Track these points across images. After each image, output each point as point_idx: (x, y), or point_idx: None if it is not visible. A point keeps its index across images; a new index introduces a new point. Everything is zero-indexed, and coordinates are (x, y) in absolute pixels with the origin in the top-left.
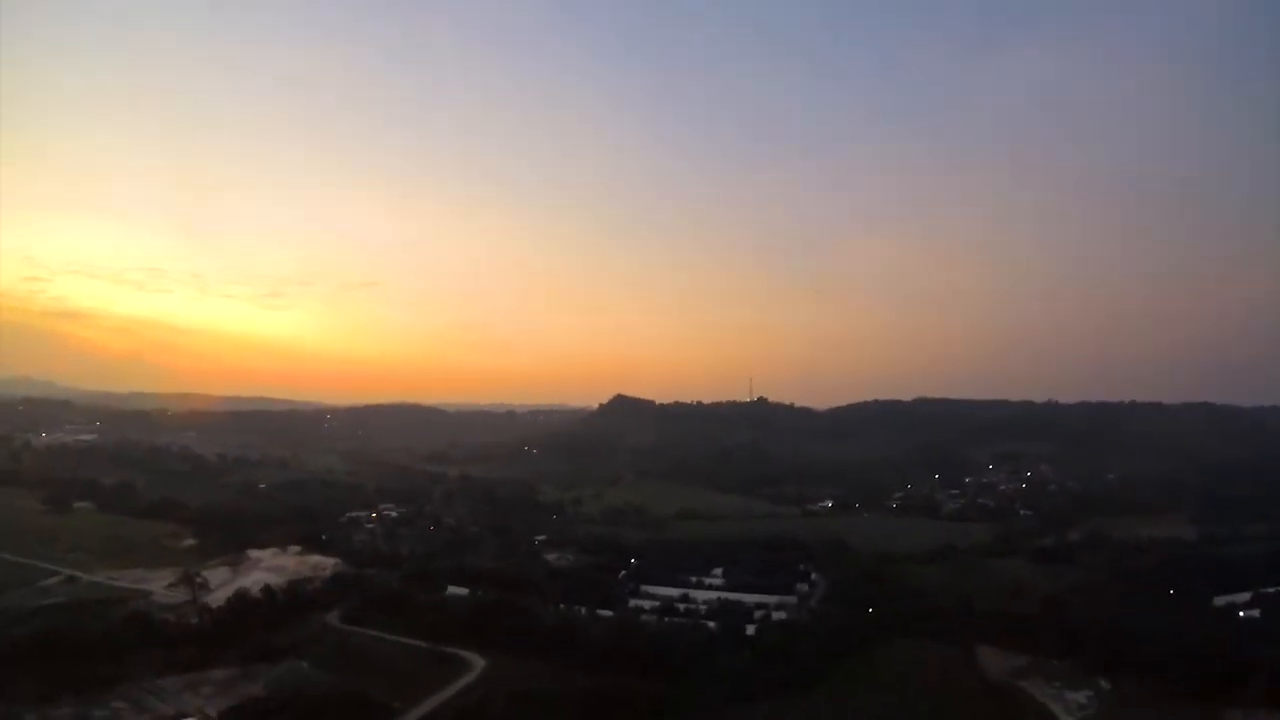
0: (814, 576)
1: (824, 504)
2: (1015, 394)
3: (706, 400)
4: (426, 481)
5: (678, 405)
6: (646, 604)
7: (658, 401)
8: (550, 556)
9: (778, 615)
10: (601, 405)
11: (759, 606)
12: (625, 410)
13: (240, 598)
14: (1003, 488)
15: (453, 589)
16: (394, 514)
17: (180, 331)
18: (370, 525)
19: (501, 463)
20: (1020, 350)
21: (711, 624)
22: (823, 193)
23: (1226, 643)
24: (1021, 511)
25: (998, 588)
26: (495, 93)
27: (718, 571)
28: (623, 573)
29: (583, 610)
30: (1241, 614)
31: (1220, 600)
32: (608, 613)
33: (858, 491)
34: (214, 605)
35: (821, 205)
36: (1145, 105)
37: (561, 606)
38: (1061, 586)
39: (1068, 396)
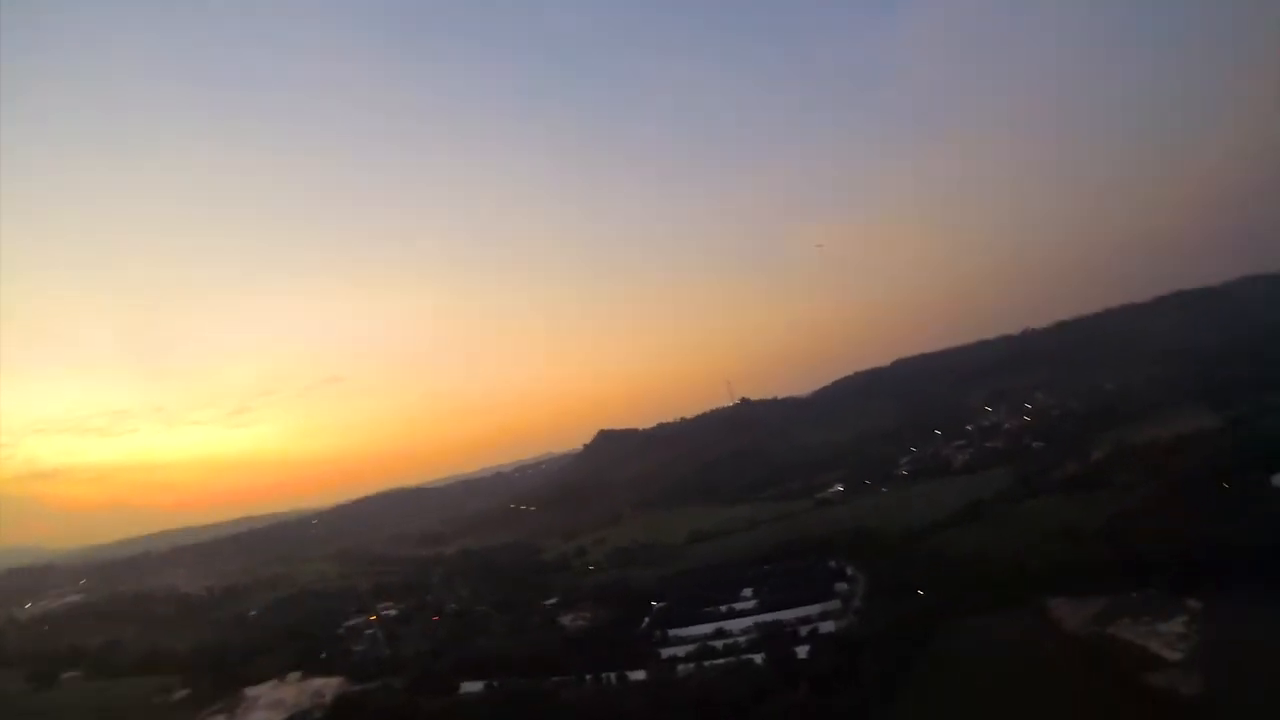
0: (849, 571)
1: (834, 489)
2: (990, 332)
3: (690, 414)
4: (423, 567)
5: (662, 427)
6: (680, 651)
7: (642, 428)
8: (565, 620)
9: (825, 627)
10: (586, 445)
11: (802, 621)
12: (611, 444)
13: None
14: (1007, 426)
15: (466, 686)
16: (393, 612)
17: (153, 469)
18: (370, 631)
19: (497, 528)
20: (985, 289)
21: (757, 657)
22: (763, 191)
23: None
24: (1033, 445)
25: (1043, 532)
26: (427, 151)
27: (747, 593)
28: (646, 620)
29: (612, 678)
30: None
31: (1278, 479)
32: (640, 674)
33: (864, 469)
34: None
35: (764, 202)
36: (1056, 27)
37: (588, 679)
38: (1109, 512)
39: (1042, 320)
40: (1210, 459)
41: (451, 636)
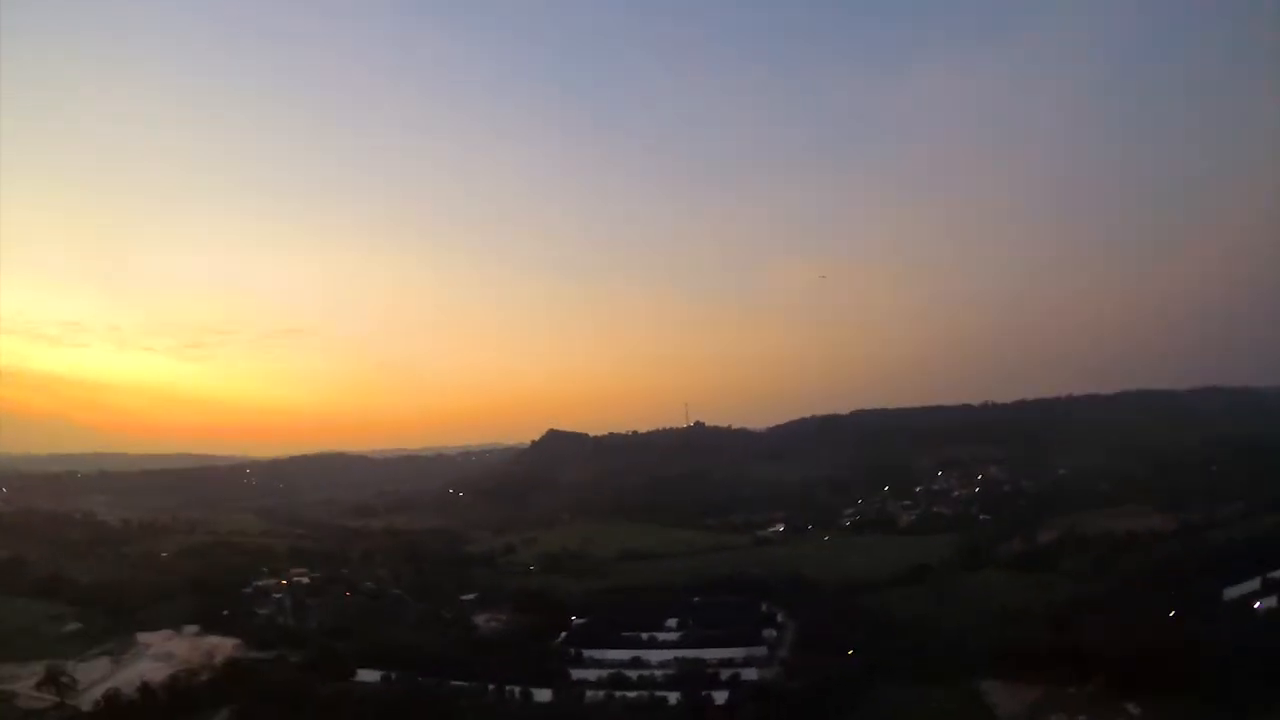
0: (779, 618)
1: (775, 529)
2: (952, 398)
3: (643, 429)
4: (347, 539)
5: (613, 436)
6: (592, 675)
7: (592, 434)
8: (480, 619)
9: (747, 674)
10: (534, 442)
11: (724, 663)
12: (559, 445)
13: (111, 700)
14: (956, 494)
15: (364, 673)
16: (306, 580)
17: (100, 388)
18: (278, 596)
19: (430, 511)
20: (953, 354)
21: (672, 696)
22: (748, 217)
23: (1257, 642)
24: (980, 517)
25: (983, 608)
26: (412, 130)
27: (671, 623)
28: (563, 634)
29: (517, 692)
30: (1259, 605)
31: (1230, 592)
32: (545, 692)
33: (808, 512)
34: (83, 709)
35: (747, 229)
36: (1053, 117)
37: (491, 689)
38: (1053, 599)
39: (1004, 396)
40: (1163, 561)
41: (360, 617)
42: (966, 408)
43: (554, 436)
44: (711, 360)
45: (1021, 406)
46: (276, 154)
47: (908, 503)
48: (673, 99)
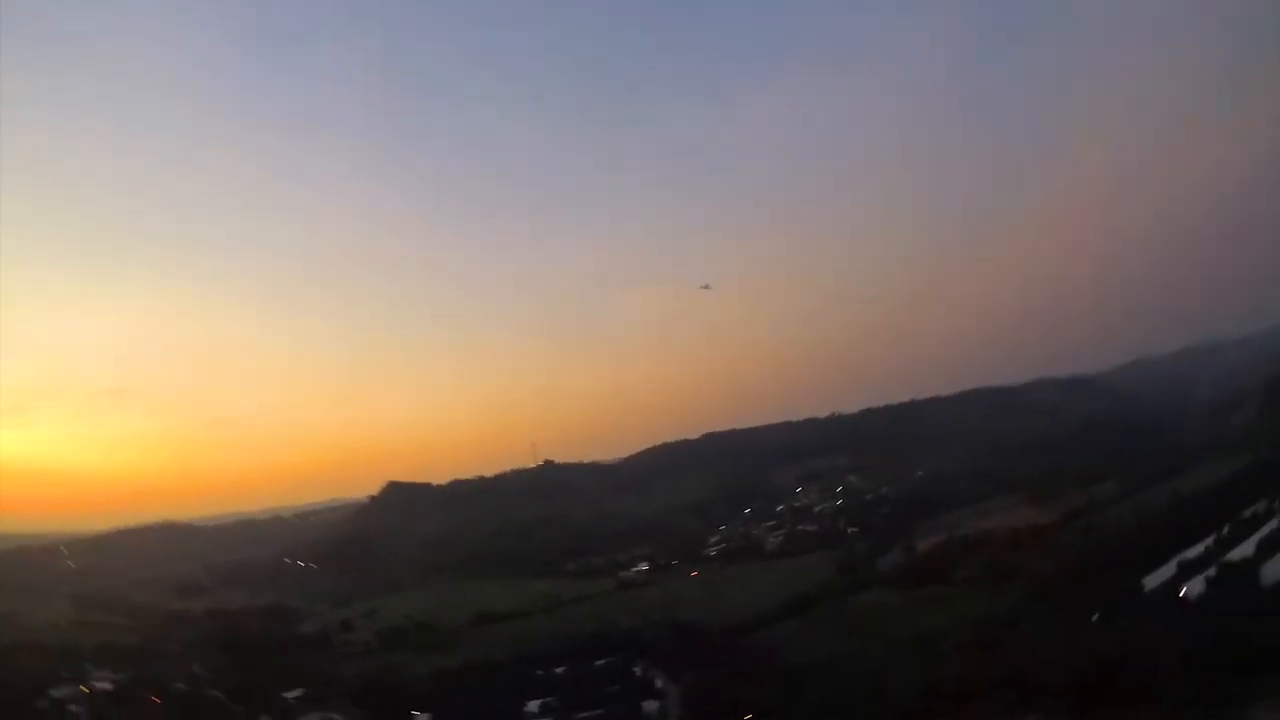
0: (659, 683)
1: (639, 568)
2: (799, 413)
3: (490, 473)
4: (165, 625)
5: (458, 484)
6: None
7: (436, 483)
8: None
9: None
10: (372, 497)
11: None
12: (401, 498)
13: None
14: (818, 509)
15: None
16: (110, 686)
17: None
18: (75, 709)
19: (262, 584)
20: (795, 370)
21: None
22: (585, 250)
23: (1205, 631)
24: (849, 530)
25: (887, 637)
26: (238, 171)
27: (534, 708)
28: None
29: None
30: (1184, 591)
31: (1150, 582)
32: None
33: (672, 545)
34: None
35: (584, 262)
36: (880, 134)
37: None
38: (960, 615)
39: (849, 407)
40: (1063, 557)
41: None
42: (814, 421)
43: (395, 489)
44: (556, 395)
45: (867, 415)
46: (88, 201)
47: (772, 524)
48: (505, 133)
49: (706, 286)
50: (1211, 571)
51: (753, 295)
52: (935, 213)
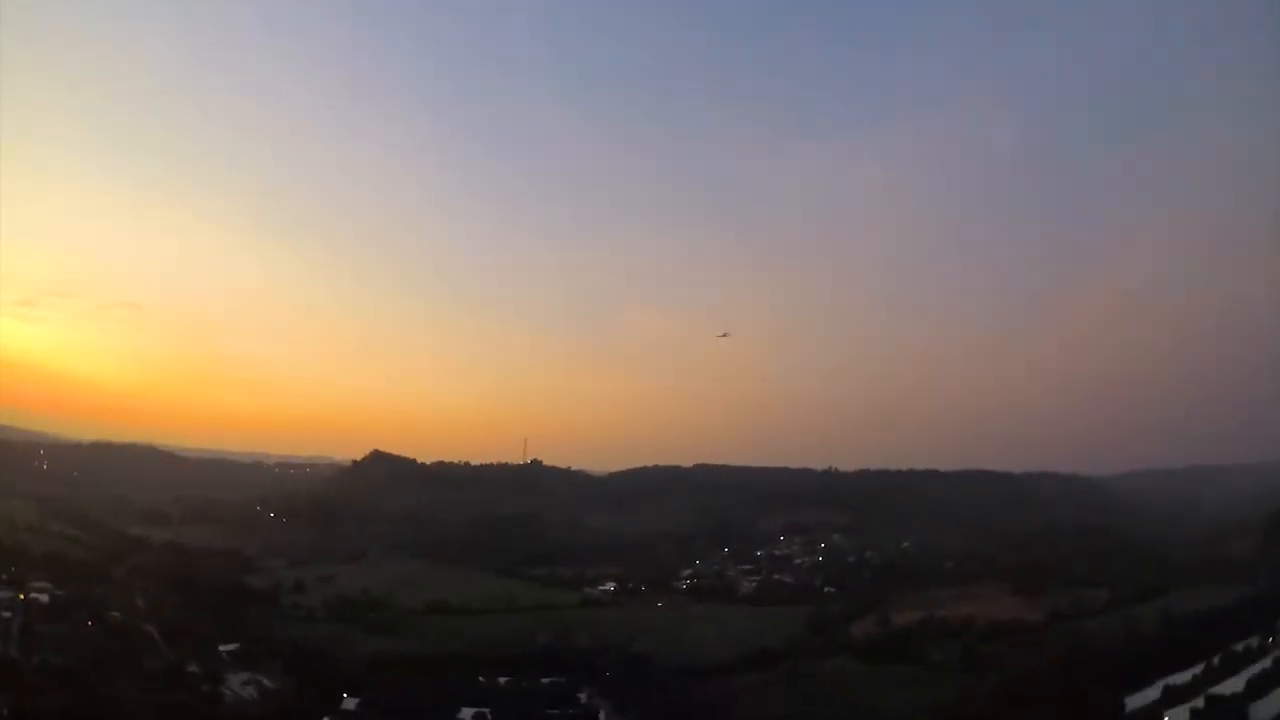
0: (602, 716)
1: (605, 587)
2: (794, 461)
3: (476, 461)
4: (119, 549)
5: (443, 465)
6: None
7: (420, 460)
8: (236, 680)
9: None
10: (355, 462)
11: None
12: (383, 468)
13: None
14: (798, 562)
15: None
16: (46, 599)
17: None
18: (6, 615)
19: (228, 527)
20: (800, 418)
21: None
22: (607, 262)
23: None
24: (825, 589)
25: (849, 709)
26: (289, 119)
27: (466, 716)
28: None
29: None
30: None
31: (1132, 702)
32: None
33: (642, 570)
34: None
35: (605, 274)
36: (918, 205)
37: None
38: (927, 700)
39: (846, 464)
40: (1045, 658)
41: (93, 657)
42: (809, 472)
43: (378, 458)
44: (555, 397)
45: (863, 476)
46: (137, 105)
47: (748, 567)
48: (548, 136)
49: (725, 335)
50: (1199, 703)
51: (769, 336)
52: (964, 291)
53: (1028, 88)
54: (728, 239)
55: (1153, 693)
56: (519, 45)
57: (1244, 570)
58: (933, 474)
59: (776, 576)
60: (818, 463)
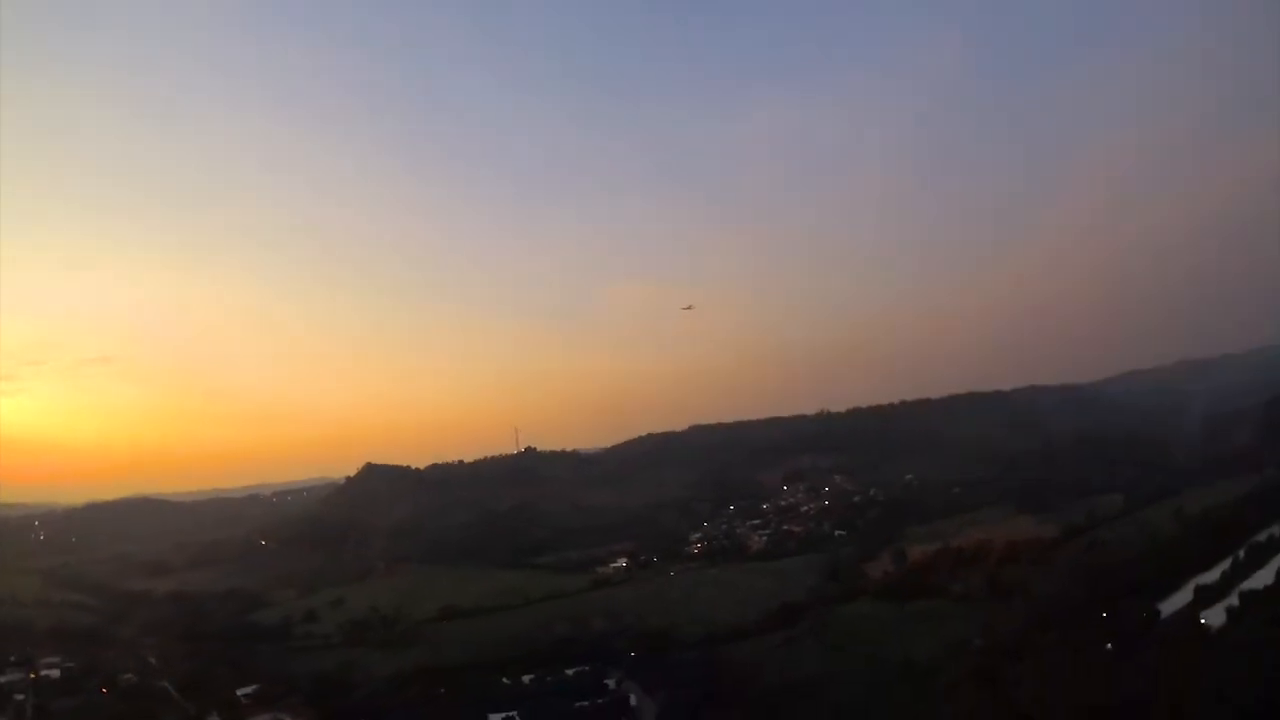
0: (633, 700)
1: (617, 564)
2: (787, 409)
3: (470, 458)
4: (124, 608)
5: (437, 468)
6: None
7: (414, 466)
8: None
9: None
10: (349, 478)
11: None
12: (378, 480)
13: None
14: (805, 509)
15: None
16: (57, 674)
17: None
18: (19, 698)
19: (231, 566)
20: (785, 366)
21: None
22: (582, 240)
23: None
24: (835, 534)
25: (881, 658)
26: (232, 145)
27: None
28: None
29: None
30: (1204, 620)
31: (1165, 607)
32: None
33: (651, 541)
34: None
35: (581, 252)
36: (878, 144)
37: None
38: (958, 637)
39: (838, 405)
40: (1069, 577)
41: None
42: (802, 418)
43: (372, 471)
44: (541, 382)
45: (856, 415)
46: (85, 165)
47: (757, 522)
48: (508, 119)
49: (689, 307)
50: (1234, 600)
51: (746, 291)
52: (931, 220)
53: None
54: (696, 200)
55: (1184, 596)
56: (470, 38)
57: (1249, 461)
58: (924, 403)
59: (785, 527)
60: (810, 407)
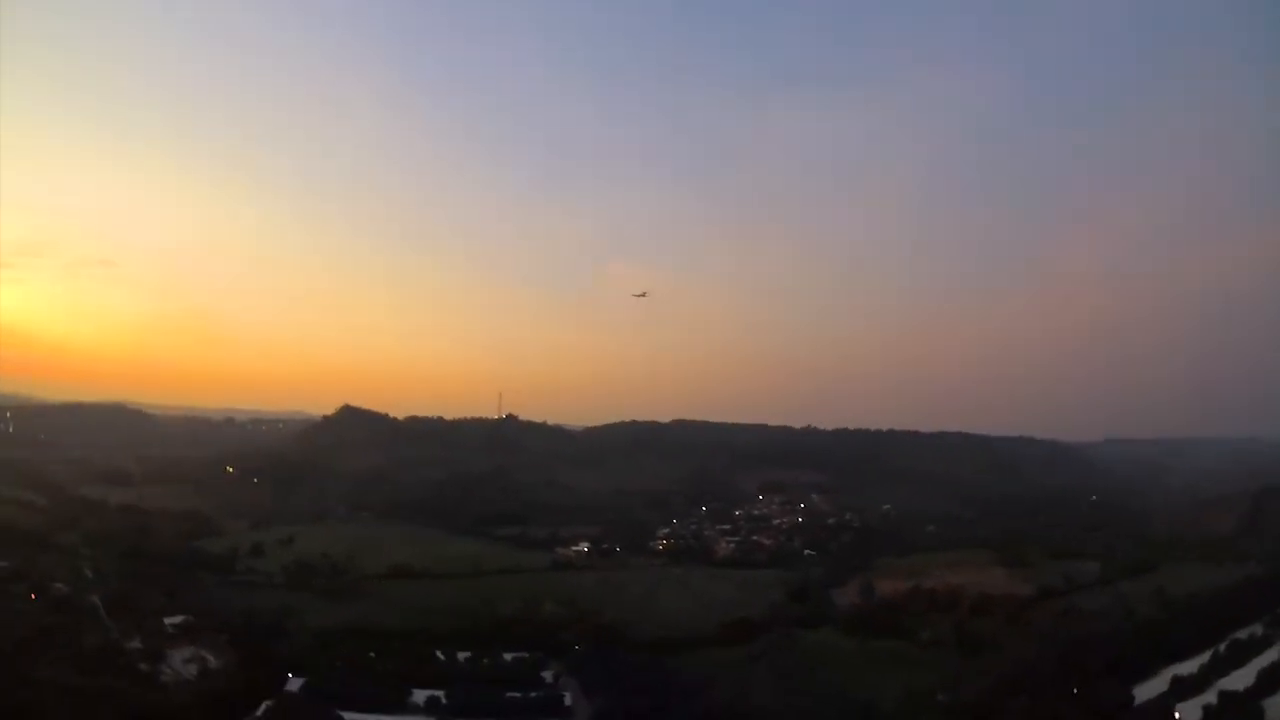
0: (568, 700)
1: (579, 548)
2: (774, 418)
3: (450, 416)
4: (73, 513)
5: (415, 420)
6: None
7: (393, 415)
8: (178, 656)
9: None
10: (326, 417)
11: None
12: (353, 424)
13: None
14: (777, 522)
15: None
16: None
17: None
18: None
19: (190, 487)
20: (779, 375)
21: None
22: (586, 217)
23: None
24: (805, 552)
25: (842, 694)
26: (261, 73)
27: (419, 699)
28: (264, 706)
29: None
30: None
31: (1140, 693)
32: None
33: (617, 530)
34: None
35: (584, 229)
36: (902, 165)
37: None
38: (923, 685)
39: (825, 423)
40: (1044, 641)
41: (31, 637)
42: (788, 430)
43: (350, 413)
44: (531, 351)
45: (842, 435)
46: (108, 68)
47: (727, 528)
48: (530, 95)
49: (642, 294)
50: (1211, 697)
51: (746, 292)
52: (949, 253)
53: (1019, 53)
54: (708, 196)
55: (1159, 683)
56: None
57: (1231, 547)
58: (912, 435)
59: (755, 538)
60: (796, 420)
